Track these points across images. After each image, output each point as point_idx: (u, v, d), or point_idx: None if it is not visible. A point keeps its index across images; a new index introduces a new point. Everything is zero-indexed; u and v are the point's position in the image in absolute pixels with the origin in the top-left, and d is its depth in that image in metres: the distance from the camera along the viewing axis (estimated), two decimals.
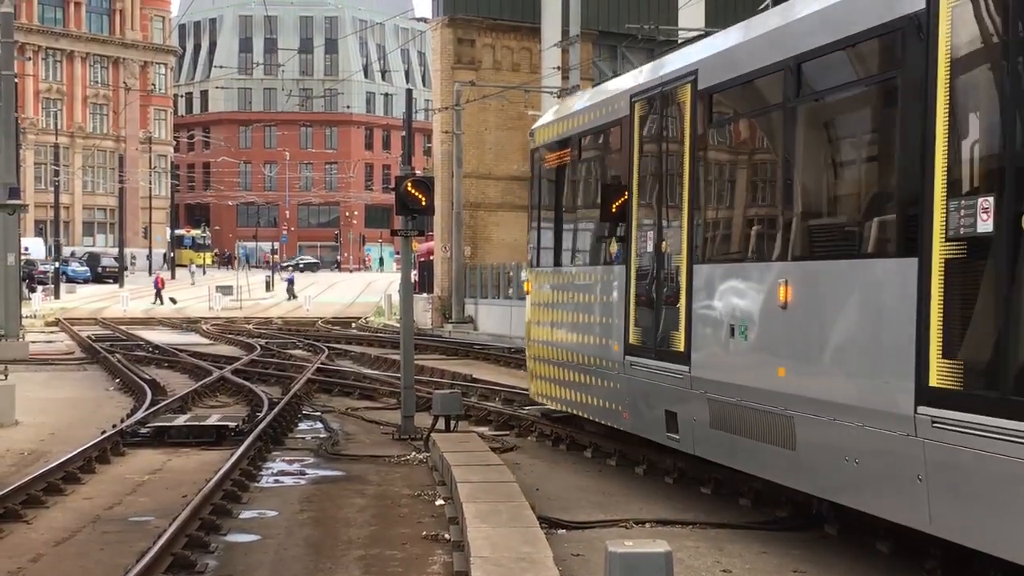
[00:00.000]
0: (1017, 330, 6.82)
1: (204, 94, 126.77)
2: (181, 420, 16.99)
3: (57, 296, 63.60)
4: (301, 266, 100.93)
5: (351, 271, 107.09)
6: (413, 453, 14.94)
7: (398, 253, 75.67)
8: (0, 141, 30.10)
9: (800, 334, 9.28)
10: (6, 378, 18.30)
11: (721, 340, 10.57)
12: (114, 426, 16.41)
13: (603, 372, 13.30)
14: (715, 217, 11.13)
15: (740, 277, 10.36)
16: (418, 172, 19.74)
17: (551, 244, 15.46)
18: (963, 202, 7.30)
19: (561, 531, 10.38)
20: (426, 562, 9.52)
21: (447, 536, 10.22)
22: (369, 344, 35.54)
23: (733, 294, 10.47)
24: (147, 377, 23.39)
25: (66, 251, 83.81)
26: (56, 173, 77.60)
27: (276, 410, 17.85)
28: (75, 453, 13.86)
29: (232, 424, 16.50)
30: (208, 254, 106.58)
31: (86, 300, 62.80)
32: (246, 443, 14.65)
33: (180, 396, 20.13)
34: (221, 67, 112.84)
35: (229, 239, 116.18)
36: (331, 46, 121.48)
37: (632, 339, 12.51)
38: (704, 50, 11.60)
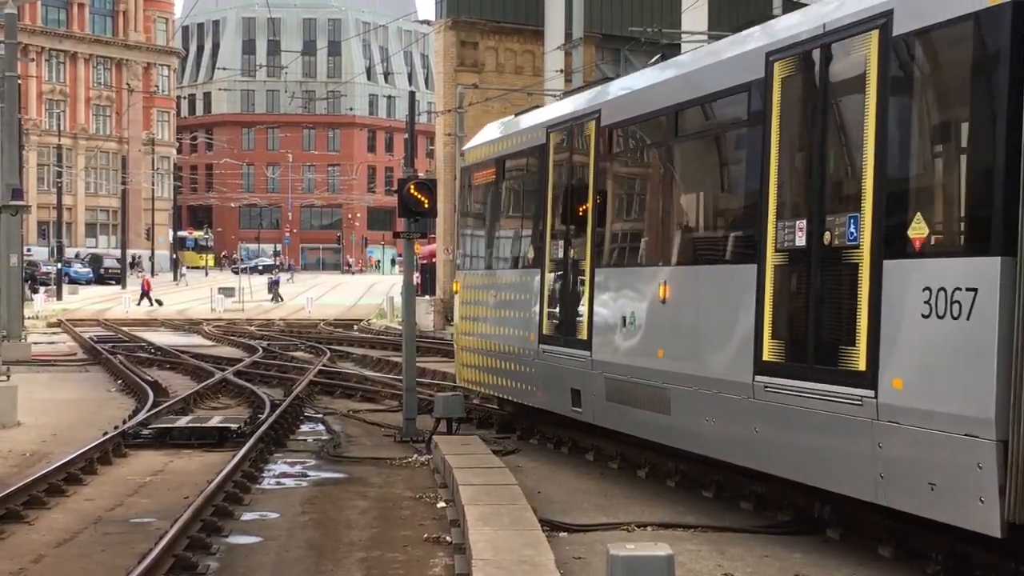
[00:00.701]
0: (819, 315, 9.34)
1: (207, 96, 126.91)
2: (183, 422, 17.00)
3: (59, 297, 63.63)
4: (260, 268, 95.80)
5: (353, 273, 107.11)
6: (415, 455, 14.94)
7: (400, 255, 75.79)
8: (3, 142, 30.14)
9: (675, 323, 11.70)
10: (8, 379, 18.32)
11: (616, 329, 12.81)
12: (116, 427, 16.42)
13: (521, 359, 15.40)
14: (612, 230, 13.51)
15: (632, 279, 12.76)
16: (421, 174, 19.67)
17: (478, 251, 17.71)
18: (786, 224, 9.88)
19: (563, 534, 10.37)
20: (427, 564, 9.52)
21: (449, 538, 10.22)
22: (371, 346, 35.54)
23: (626, 292, 12.85)
24: (149, 378, 23.40)
25: (69, 252, 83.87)
26: (59, 174, 77.64)
27: (278, 412, 17.85)
28: (77, 454, 13.87)
29: (234, 426, 16.51)
30: (210, 256, 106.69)
31: (88, 301, 62.82)
32: (248, 445, 14.65)
33: (182, 398, 20.14)
34: (224, 69, 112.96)
35: (232, 241, 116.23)
36: (334, 48, 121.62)
37: (545, 330, 14.70)
38: (607, 93, 13.98)
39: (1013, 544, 7.91)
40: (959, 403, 7.93)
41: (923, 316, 8.30)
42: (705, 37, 35.99)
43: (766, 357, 10.00)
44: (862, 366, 8.80)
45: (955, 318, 8.00)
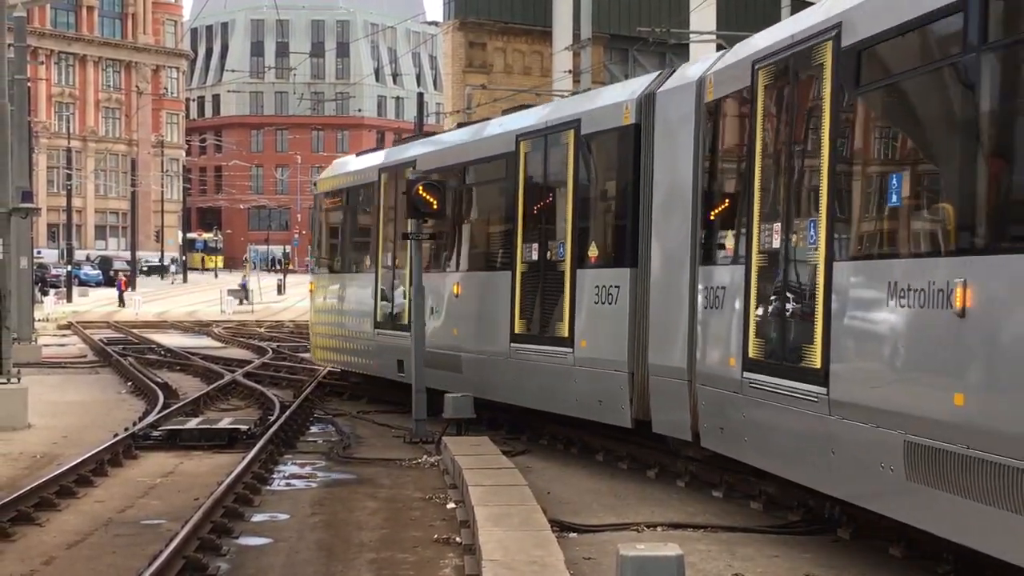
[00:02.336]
0: (544, 303, 14.80)
1: (216, 98, 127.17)
2: (193, 423, 17.01)
3: (69, 299, 63.78)
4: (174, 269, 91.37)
5: None
6: (424, 456, 14.94)
7: None
8: (13, 145, 30.14)
9: (464, 311, 16.73)
10: (19, 381, 18.34)
11: (429, 316, 17.46)
12: (126, 429, 16.44)
13: (361, 340, 20.59)
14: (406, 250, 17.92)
15: (438, 280, 17.53)
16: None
17: (330, 259, 23.12)
18: (528, 246, 15.17)
19: (572, 534, 10.37)
20: (437, 565, 9.52)
21: (458, 539, 10.22)
22: None
23: (434, 290, 17.43)
24: (159, 380, 23.44)
25: (79, 255, 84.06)
26: (68, 177, 77.85)
27: (288, 413, 17.86)
28: (87, 456, 13.88)
29: (244, 427, 16.52)
30: (219, 257, 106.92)
31: (98, 303, 62.98)
32: (258, 446, 14.66)
33: (192, 399, 20.16)
34: (233, 71, 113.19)
35: (241, 243, 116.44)
36: (342, 50, 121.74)
37: (379, 318, 19.81)
38: (421, 147, 19.35)
39: (636, 430, 13.21)
40: (611, 352, 13.29)
41: (595, 302, 13.72)
42: (713, 37, 36.01)
43: (516, 331, 15.35)
44: (567, 334, 14.15)
45: (610, 304, 13.42)
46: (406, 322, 17.87)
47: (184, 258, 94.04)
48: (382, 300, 19.60)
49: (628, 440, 14.03)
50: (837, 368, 9.00)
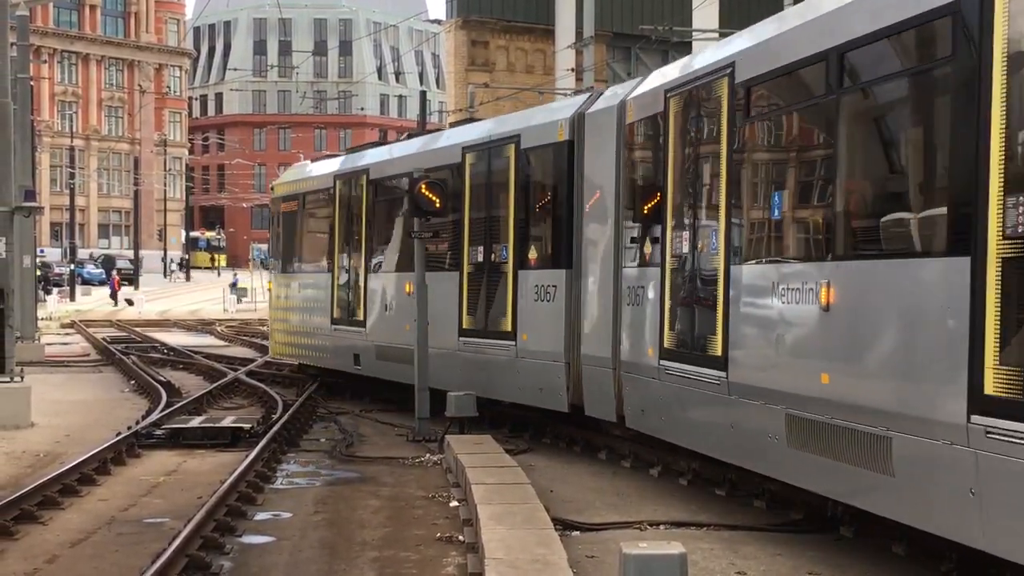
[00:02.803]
0: (489, 301, 16.15)
1: (219, 96, 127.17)
2: (196, 422, 17.02)
3: (72, 298, 63.81)
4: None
5: None
6: (427, 455, 14.95)
7: None
8: (16, 144, 30.11)
9: (415, 310, 16.93)
10: (22, 380, 18.36)
11: (382, 314, 19.26)
12: (129, 428, 16.45)
13: (319, 335, 22.01)
14: (377, 248, 19.72)
15: (392, 280, 18.95)
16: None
17: (288, 259, 24.21)
18: (477, 248, 16.47)
19: (575, 533, 10.38)
20: (440, 563, 9.53)
21: (461, 538, 10.22)
22: None
23: (388, 289, 19.09)
24: (162, 379, 23.45)
25: (82, 253, 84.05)
26: (71, 175, 77.89)
27: (290, 412, 17.89)
28: (90, 455, 13.90)
29: (247, 426, 16.53)
30: (222, 256, 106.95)
31: (101, 302, 63.02)
32: (260, 445, 14.68)
33: (195, 398, 20.17)
34: (235, 69, 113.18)
35: (244, 241, 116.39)
36: (345, 48, 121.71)
37: (335, 315, 21.19)
38: (375, 156, 20.72)
39: (573, 415, 14.64)
40: (550, 345, 14.75)
41: (535, 300, 15.12)
42: (716, 35, 35.98)
43: (464, 326, 16.72)
44: (510, 328, 15.55)
45: (548, 301, 14.83)
46: (361, 318, 20.02)
47: (187, 256, 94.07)
48: (338, 298, 21.10)
49: (629, 439, 14.04)
50: (734, 355, 10.59)
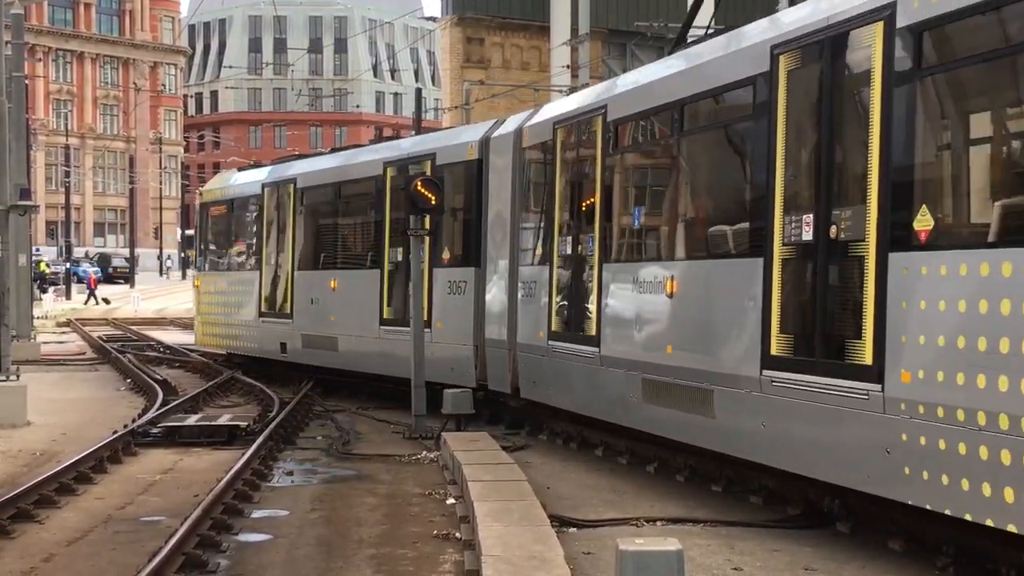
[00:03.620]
0: (407, 295, 17.78)
1: (214, 94, 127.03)
2: (192, 420, 17.01)
3: (68, 297, 63.71)
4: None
5: None
6: (424, 452, 14.94)
7: None
8: (11, 142, 30.10)
9: (341, 302, 20.20)
10: (18, 378, 18.34)
11: (307, 307, 21.53)
12: (125, 426, 16.44)
13: (248, 327, 24.18)
14: (304, 249, 22.09)
15: (318, 277, 21.30)
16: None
17: (216, 258, 26.63)
18: (396, 249, 18.76)
19: (572, 529, 10.38)
20: (437, 561, 9.53)
21: (458, 535, 10.22)
22: None
23: (310, 285, 21.49)
24: (158, 377, 23.44)
25: (77, 252, 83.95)
26: (67, 174, 77.85)
27: (287, 410, 17.88)
28: (87, 453, 13.89)
29: (243, 424, 16.53)
30: None
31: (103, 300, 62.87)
32: (257, 443, 14.68)
33: (191, 396, 20.17)
34: (231, 67, 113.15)
35: None
36: (340, 46, 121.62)
37: (263, 309, 23.46)
38: (302, 166, 23.27)
39: (480, 391, 16.66)
40: (460, 331, 17.02)
41: (447, 293, 17.48)
42: (712, 31, 35.99)
43: (385, 317, 18.98)
44: (425, 318, 17.36)
45: (459, 294, 17.19)
46: (289, 311, 22.35)
47: (184, 255, 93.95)
48: (266, 294, 23.40)
49: (627, 435, 14.05)
50: (605, 334, 13.27)
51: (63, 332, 41.74)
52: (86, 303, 58.75)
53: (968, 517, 7.82)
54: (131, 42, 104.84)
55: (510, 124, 16.70)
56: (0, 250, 18.51)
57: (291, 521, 11.14)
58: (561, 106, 15.50)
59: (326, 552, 9.88)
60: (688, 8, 37.89)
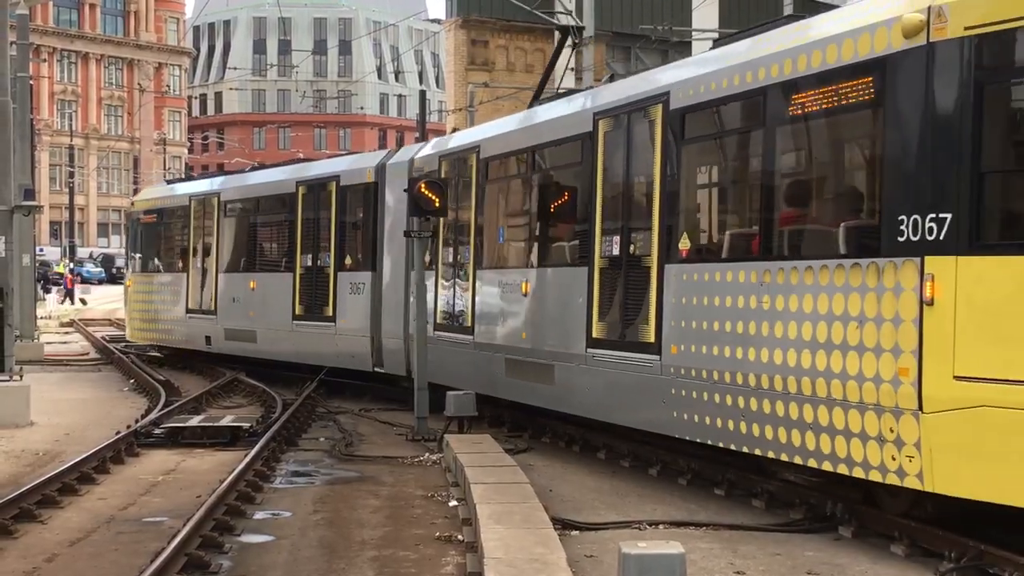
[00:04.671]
0: (317, 294, 21.79)
1: (218, 95, 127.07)
2: (195, 421, 17.01)
3: (72, 300, 63.67)
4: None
5: None
6: (427, 454, 14.94)
7: None
8: (16, 142, 30.12)
9: (259, 300, 23.38)
10: (21, 379, 18.37)
11: (230, 305, 24.65)
12: (128, 427, 16.46)
13: (176, 323, 27.28)
14: (228, 254, 25.21)
15: (240, 279, 24.35)
16: None
17: (146, 261, 29.51)
18: (307, 255, 22.19)
19: (574, 532, 10.37)
20: (439, 563, 9.53)
21: (460, 537, 10.22)
22: None
23: (235, 286, 24.53)
24: (161, 378, 23.45)
25: (81, 252, 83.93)
26: (71, 174, 77.89)
27: (290, 411, 17.89)
28: (90, 454, 13.90)
29: (246, 425, 16.53)
30: None
31: (100, 301, 62.92)
32: (260, 444, 14.69)
33: (194, 397, 20.18)
34: (235, 68, 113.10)
35: None
36: (345, 47, 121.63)
37: (190, 306, 26.43)
38: (227, 183, 26.25)
39: (374, 375, 20.47)
40: (360, 325, 20.34)
41: (349, 293, 20.71)
42: (715, 35, 35.95)
43: (296, 313, 22.34)
44: (331, 314, 21.15)
45: (359, 294, 20.37)
46: (213, 308, 25.41)
47: None
48: (193, 293, 26.38)
49: (630, 438, 14.07)
50: (477, 325, 16.54)
51: (66, 332, 41.79)
52: (62, 302, 58.76)
53: (709, 442, 11.43)
54: (136, 43, 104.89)
55: (403, 154, 20.29)
56: (4, 250, 18.52)
57: (293, 522, 11.14)
58: (445, 142, 18.99)
59: (328, 553, 9.88)
60: (691, 12, 37.79)
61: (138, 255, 30.09)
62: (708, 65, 11.98)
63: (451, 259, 17.50)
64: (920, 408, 8.81)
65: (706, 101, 11.69)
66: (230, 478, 12.22)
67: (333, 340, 21.02)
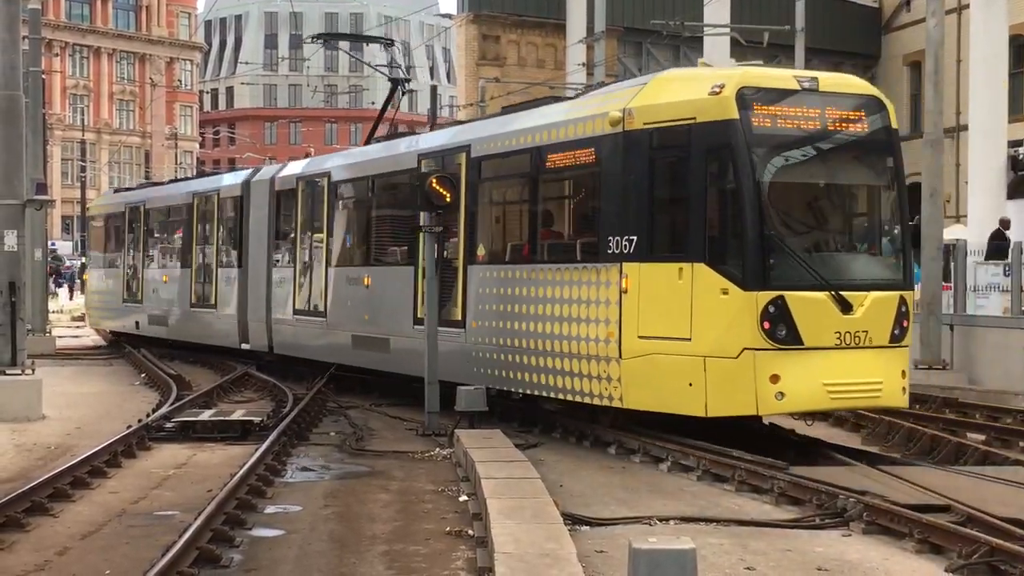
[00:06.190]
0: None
1: (229, 90, 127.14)
2: (206, 415, 17.02)
3: (84, 291, 63.73)
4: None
5: None
6: (437, 449, 14.95)
7: None
8: (28, 137, 30.15)
9: (170, 290, 28.56)
10: (33, 372, 18.40)
11: (151, 295, 29.52)
12: (140, 420, 16.49)
13: (116, 309, 32.21)
14: (148, 251, 30.08)
15: (159, 274, 29.28)
16: None
17: (96, 257, 35.16)
18: (199, 254, 27.26)
19: (584, 527, 10.38)
20: (449, 558, 9.54)
21: (471, 532, 10.23)
22: None
23: (156, 279, 29.36)
24: (172, 372, 23.50)
25: None
26: (83, 169, 77.98)
27: (300, 406, 17.90)
28: (101, 447, 13.94)
29: (257, 419, 16.55)
30: None
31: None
32: (271, 438, 14.70)
33: (205, 391, 20.22)
34: (246, 63, 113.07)
35: None
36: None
37: (125, 296, 31.40)
38: (146, 194, 32.14)
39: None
40: (232, 310, 25.12)
41: (224, 285, 25.71)
42: (727, 31, 35.86)
43: (192, 301, 27.04)
44: (213, 302, 26.22)
45: (231, 285, 25.24)
46: (140, 298, 30.47)
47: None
48: (126, 284, 31.42)
49: (641, 433, 14.07)
50: (329, 310, 20.99)
51: (78, 326, 41.87)
52: (71, 298, 58.84)
53: (499, 388, 16.05)
54: (147, 38, 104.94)
55: (266, 173, 24.85)
56: (16, 244, 18.55)
57: (304, 517, 11.16)
58: (301, 165, 23.67)
59: (339, 548, 9.90)
60: (703, 7, 37.65)
61: (94, 250, 36.39)
62: (498, 128, 16.95)
63: (308, 258, 22.09)
64: (620, 357, 13.73)
65: (496, 153, 16.49)
66: (241, 472, 12.24)
67: (213, 322, 26.17)
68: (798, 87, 13.31)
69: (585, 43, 40.14)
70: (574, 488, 12.25)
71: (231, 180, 26.61)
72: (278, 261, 23.34)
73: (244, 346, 24.88)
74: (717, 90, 13.02)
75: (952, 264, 24.06)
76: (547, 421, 16.30)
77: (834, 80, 13.83)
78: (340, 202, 21.18)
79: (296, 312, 22.21)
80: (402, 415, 18.25)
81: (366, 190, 20.33)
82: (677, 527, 10.46)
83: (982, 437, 15.74)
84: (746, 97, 12.96)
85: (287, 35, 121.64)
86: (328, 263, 21.11)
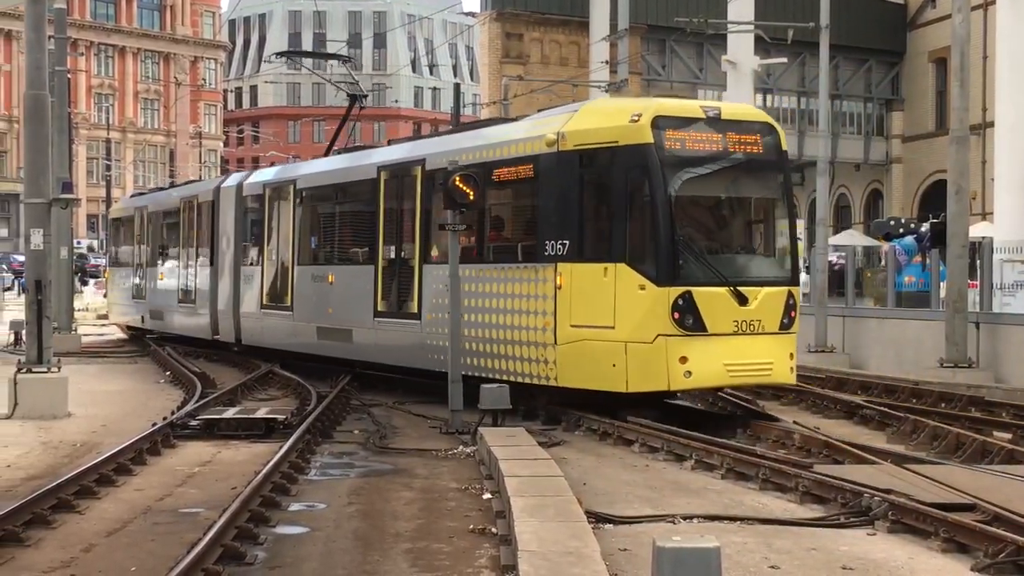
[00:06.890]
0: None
1: (253, 89, 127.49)
2: (230, 413, 17.06)
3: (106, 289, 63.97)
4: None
5: None
6: (460, 447, 14.95)
7: None
8: (54, 136, 30.34)
9: (153, 287, 32.20)
10: (59, 370, 18.50)
11: (154, 291, 32.05)
12: (164, 418, 16.55)
13: (128, 304, 34.76)
14: (149, 253, 32.81)
15: (153, 272, 32.29)
16: None
17: (114, 257, 38.44)
18: (175, 254, 30.90)
19: (608, 525, 10.36)
20: (473, 555, 9.54)
21: (494, 530, 10.22)
22: None
23: (156, 277, 31.86)
24: (197, 370, 23.56)
25: None
26: (108, 167, 78.29)
27: (324, 403, 17.92)
28: (126, 445, 13.99)
29: (281, 417, 16.58)
30: None
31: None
32: (295, 436, 14.73)
33: (229, 389, 20.26)
34: (270, 62, 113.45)
35: None
36: (379, 40, 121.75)
37: (134, 293, 33.74)
38: (149, 199, 34.62)
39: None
40: (206, 304, 27.77)
41: (200, 282, 28.37)
42: (751, 28, 35.73)
43: (180, 299, 29.58)
44: (194, 298, 28.63)
45: (204, 282, 28.10)
46: (143, 295, 33.13)
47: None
48: (135, 282, 34.09)
49: (664, 431, 14.05)
50: (296, 305, 23.12)
51: (103, 324, 42.07)
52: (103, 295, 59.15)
53: (446, 370, 16.81)
54: (172, 37, 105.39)
55: (233, 180, 27.13)
56: (42, 243, 18.64)
57: (328, 514, 11.17)
58: (268, 173, 26.17)
59: (363, 545, 9.91)
60: (727, 4, 37.53)
61: (112, 251, 39.88)
62: (451, 144, 18.85)
63: (275, 257, 24.29)
64: (556, 343, 15.95)
65: (447, 166, 17.28)
66: (265, 470, 12.27)
67: (193, 317, 28.62)
68: (703, 115, 15.57)
69: (608, 41, 40.12)
70: (598, 486, 12.23)
71: (206, 187, 29.50)
72: (246, 260, 25.66)
73: (216, 337, 27.17)
74: (636, 118, 15.23)
75: (979, 261, 23.94)
76: (571, 419, 16.30)
77: (734, 109, 16.42)
78: (306, 207, 23.31)
79: (264, 307, 24.59)
80: (425, 413, 18.26)
81: (330, 197, 22.56)
82: (701, 525, 10.43)
83: (1008, 436, 15.65)
84: (659, 124, 15.20)
85: (311, 33, 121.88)
86: (295, 262, 23.23)
